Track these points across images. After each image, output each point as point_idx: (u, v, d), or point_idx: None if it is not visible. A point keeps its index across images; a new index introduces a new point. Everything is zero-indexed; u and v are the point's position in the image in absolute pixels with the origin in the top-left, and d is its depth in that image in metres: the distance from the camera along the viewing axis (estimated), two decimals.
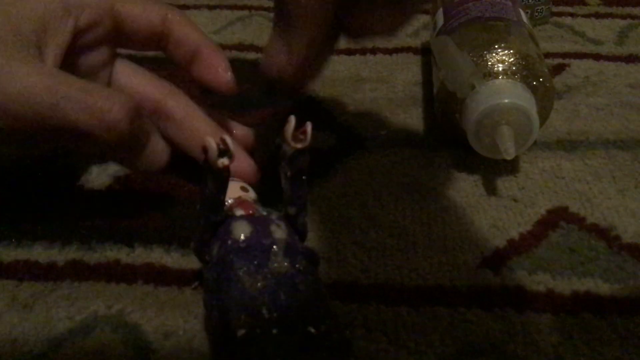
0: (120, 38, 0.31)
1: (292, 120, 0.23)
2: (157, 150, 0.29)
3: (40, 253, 0.30)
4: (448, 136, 0.37)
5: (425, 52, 0.48)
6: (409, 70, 0.46)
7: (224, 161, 0.22)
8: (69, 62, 0.29)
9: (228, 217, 0.25)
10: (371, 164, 0.36)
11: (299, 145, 0.23)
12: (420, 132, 0.39)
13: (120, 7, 0.30)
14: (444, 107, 0.36)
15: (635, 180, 0.34)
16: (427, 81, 0.44)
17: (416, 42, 0.50)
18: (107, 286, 0.28)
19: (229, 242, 0.24)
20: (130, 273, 0.29)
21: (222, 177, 0.23)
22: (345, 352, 0.22)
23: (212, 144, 0.22)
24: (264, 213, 0.25)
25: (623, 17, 0.54)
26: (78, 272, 0.29)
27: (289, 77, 0.26)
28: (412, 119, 0.40)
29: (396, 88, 0.44)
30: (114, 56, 0.32)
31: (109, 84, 0.31)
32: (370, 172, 0.35)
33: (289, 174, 0.24)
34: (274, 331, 0.21)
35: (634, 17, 0.54)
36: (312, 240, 0.30)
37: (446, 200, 0.33)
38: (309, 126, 0.23)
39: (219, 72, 0.31)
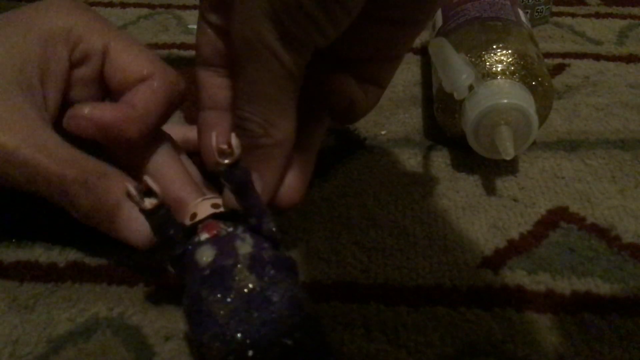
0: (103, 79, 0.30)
1: (213, 136, 0.22)
2: (132, 224, 0.26)
3: (41, 254, 0.30)
4: (448, 136, 0.37)
5: (425, 52, 0.48)
6: (409, 70, 0.46)
7: (151, 201, 0.22)
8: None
9: (194, 243, 0.24)
10: (371, 164, 0.36)
11: (226, 161, 0.22)
12: (420, 132, 0.39)
13: (112, 47, 0.29)
14: (443, 107, 0.36)
15: (635, 180, 0.34)
16: (427, 81, 0.44)
17: (416, 42, 0.50)
18: (108, 288, 0.28)
19: (194, 272, 0.23)
20: (131, 275, 0.28)
21: (158, 216, 0.22)
22: (324, 357, 0.22)
23: (131, 189, 0.21)
24: (230, 229, 0.24)
25: (623, 17, 0.54)
26: (79, 273, 0.29)
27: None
28: (412, 119, 0.40)
29: (396, 88, 0.44)
30: (99, 98, 0.30)
31: None
32: (370, 172, 0.35)
33: (230, 189, 0.23)
34: (250, 353, 0.21)
35: (634, 17, 0.54)
36: (312, 240, 0.31)
37: (446, 200, 0.33)
38: (233, 138, 0.22)
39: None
